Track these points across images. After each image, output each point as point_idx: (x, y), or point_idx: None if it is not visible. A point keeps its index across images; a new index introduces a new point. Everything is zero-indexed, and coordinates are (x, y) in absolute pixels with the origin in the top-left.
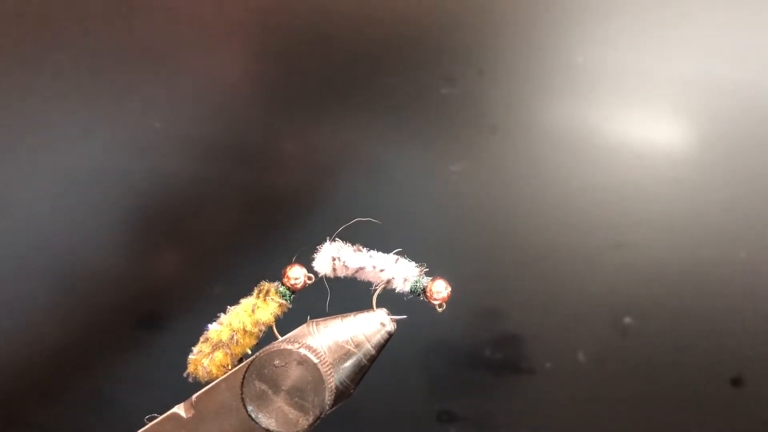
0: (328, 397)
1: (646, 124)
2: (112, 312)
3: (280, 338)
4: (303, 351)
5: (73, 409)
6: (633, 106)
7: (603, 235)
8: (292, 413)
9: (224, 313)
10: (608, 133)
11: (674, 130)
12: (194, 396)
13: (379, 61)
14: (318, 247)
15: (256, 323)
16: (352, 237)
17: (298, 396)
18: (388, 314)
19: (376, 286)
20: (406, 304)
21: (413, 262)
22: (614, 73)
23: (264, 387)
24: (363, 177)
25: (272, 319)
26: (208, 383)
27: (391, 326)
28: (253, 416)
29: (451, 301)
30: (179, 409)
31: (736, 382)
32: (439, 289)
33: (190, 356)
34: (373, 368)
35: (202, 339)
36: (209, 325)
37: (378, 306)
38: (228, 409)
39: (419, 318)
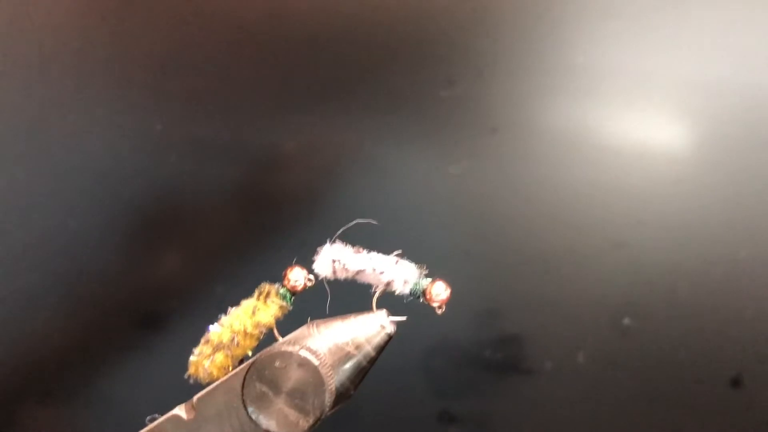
0: (328, 399)
1: (646, 124)
2: (112, 312)
3: (281, 340)
4: (303, 353)
5: (73, 409)
6: (633, 106)
7: (603, 235)
8: (292, 415)
9: (225, 314)
10: (608, 133)
11: (674, 130)
12: (195, 397)
13: (380, 61)
14: (318, 248)
15: (257, 325)
16: (352, 238)
17: (298, 398)
18: (389, 316)
19: (376, 288)
20: (406, 305)
21: (413, 264)
22: (614, 73)
23: (264, 388)
24: (363, 177)
25: (273, 320)
26: (208, 385)
27: (391, 328)
28: (254, 418)
29: (451, 302)
30: (180, 411)
31: (736, 382)
32: (439, 291)
33: (191, 358)
34: (373, 369)
35: (202, 341)
36: (210, 327)
37: (378, 307)
38: (229, 410)
39: (419, 319)
